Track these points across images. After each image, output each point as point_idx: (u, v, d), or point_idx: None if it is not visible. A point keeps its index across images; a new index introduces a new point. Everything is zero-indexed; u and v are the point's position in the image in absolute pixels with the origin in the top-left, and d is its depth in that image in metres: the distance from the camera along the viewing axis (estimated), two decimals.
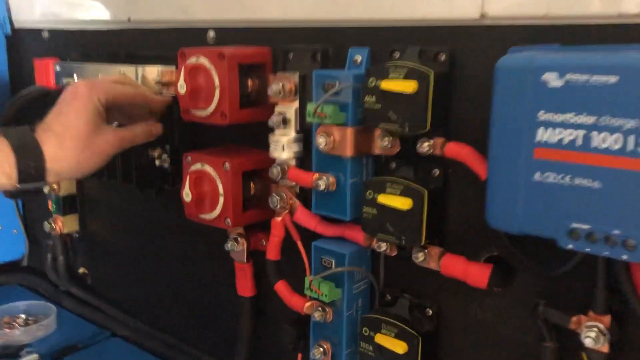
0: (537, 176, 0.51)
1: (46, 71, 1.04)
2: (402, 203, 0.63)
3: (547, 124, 0.50)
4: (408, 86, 0.60)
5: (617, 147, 0.47)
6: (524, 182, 0.52)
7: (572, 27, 0.56)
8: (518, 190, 0.52)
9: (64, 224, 1.13)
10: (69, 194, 1.13)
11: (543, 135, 0.50)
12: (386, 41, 0.69)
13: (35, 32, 1.15)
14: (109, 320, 1.12)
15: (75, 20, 1.07)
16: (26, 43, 1.20)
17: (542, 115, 0.50)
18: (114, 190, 1.08)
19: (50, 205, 1.14)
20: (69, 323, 1.13)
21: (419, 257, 0.67)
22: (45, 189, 1.11)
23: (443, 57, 0.64)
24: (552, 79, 0.49)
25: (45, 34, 1.13)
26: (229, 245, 0.84)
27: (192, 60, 0.76)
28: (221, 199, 0.78)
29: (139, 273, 1.09)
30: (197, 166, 0.80)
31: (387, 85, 0.62)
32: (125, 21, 0.98)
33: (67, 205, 1.13)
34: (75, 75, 0.99)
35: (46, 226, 1.12)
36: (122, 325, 1.10)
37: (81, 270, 1.20)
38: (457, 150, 0.62)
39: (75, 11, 1.08)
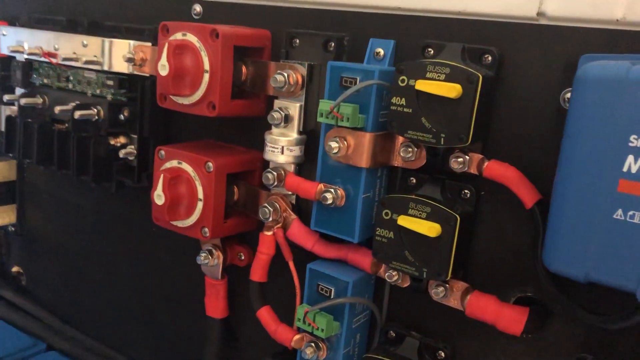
0: (618, 214, 0.42)
1: None
2: (428, 229, 0.53)
3: None
4: (451, 90, 0.50)
5: None
6: (601, 220, 0.42)
7: None
8: (591, 229, 0.43)
9: None
10: (7, 181, 0.98)
11: (633, 165, 0.41)
12: (417, 34, 0.58)
13: None
14: (45, 330, 0.96)
15: None
16: None
17: (635, 141, 0.41)
18: (64, 180, 0.93)
19: None
20: None
21: (439, 292, 0.57)
22: None
23: (489, 58, 0.54)
24: None
25: None
26: (201, 258, 0.71)
27: (178, 36, 0.63)
28: (199, 205, 0.65)
29: (85, 278, 0.94)
30: (172, 163, 0.67)
31: (424, 86, 0.51)
32: None
33: (3, 193, 0.98)
34: (25, 44, 0.84)
35: None
36: (61, 337, 0.95)
37: (15, 269, 1.05)
38: (500, 172, 0.52)
39: None
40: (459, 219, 0.53)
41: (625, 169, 0.41)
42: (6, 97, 0.86)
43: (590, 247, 0.43)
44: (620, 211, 0.42)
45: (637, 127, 0.40)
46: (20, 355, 0.92)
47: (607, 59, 0.44)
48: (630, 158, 0.41)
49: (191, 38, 0.62)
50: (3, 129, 0.90)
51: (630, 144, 0.41)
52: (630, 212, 0.41)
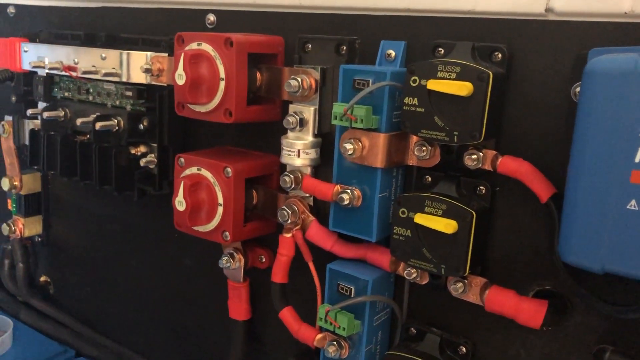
0: (632, 205, 0.42)
1: (12, 53, 0.90)
2: (445, 225, 0.54)
3: None
4: (462, 88, 0.51)
5: None
6: (615, 211, 0.43)
7: None
8: (606, 220, 0.43)
9: (25, 227, 1.00)
10: (32, 193, 1.00)
11: None
12: (426, 35, 0.59)
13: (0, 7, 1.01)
14: (74, 337, 0.99)
15: None
16: None
17: None
18: (87, 191, 0.95)
19: (10, 205, 1.00)
20: (27, 339, 0.99)
21: (458, 288, 0.58)
22: (5, 186, 0.97)
23: (499, 56, 0.55)
24: None
25: (11, 10, 0.99)
26: (223, 262, 0.73)
27: (193, 46, 0.65)
28: (220, 210, 0.67)
29: (111, 285, 0.96)
30: (192, 170, 0.69)
31: (436, 85, 0.52)
32: None
33: (29, 205, 1.00)
34: (46, 59, 0.86)
35: (4, 228, 1.00)
36: (89, 344, 0.97)
37: (43, 278, 1.07)
38: (514, 167, 0.53)
39: None
40: (474, 215, 0.54)
41: (637, 160, 0.42)
42: (29, 112, 0.88)
43: (605, 239, 0.44)
44: (633, 202, 0.42)
45: None
46: None
47: (616, 52, 0.45)
48: None
49: (206, 47, 0.64)
50: (27, 143, 0.92)
51: None
52: None
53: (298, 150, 0.63)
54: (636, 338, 0.53)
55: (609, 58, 0.43)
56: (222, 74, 0.63)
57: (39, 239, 1.03)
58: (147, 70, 0.74)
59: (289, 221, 0.64)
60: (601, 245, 0.44)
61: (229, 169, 0.66)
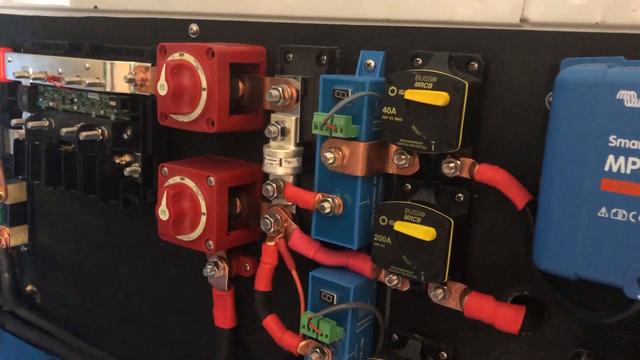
0: (602, 212, 0.43)
1: None
2: (424, 233, 0.55)
3: (620, 152, 0.42)
4: (439, 98, 0.52)
5: None
6: (586, 218, 0.44)
7: (633, 37, 0.49)
8: (578, 227, 0.44)
9: (10, 236, 1.00)
10: (18, 202, 1.00)
11: (613, 164, 0.42)
12: (405, 45, 0.60)
13: None
14: (61, 347, 0.99)
15: (31, 5, 0.94)
16: None
17: (614, 141, 0.42)
18: (72, 200, 0.95)
19: None
20: (13, 349, 0.99)
21: (438, 294, 0.58)
22: None
23: (475, 65, 0.56)
24: (630, 99, 0.41)
25: None
26: (207, 270, 0.73)
27: (175, 56, 0.66)
28: (203, 219, 0.67)
29: (97, 294, 0.96)
30: (175, 179, 0.69)
31: (413, 95, 0.53)
32: (91, 9, 0.86)
33: (15, 214, 1.00)
34: (30, 69, 0.86)
35: None
36: (76, 353, 0.97)
37: (29, 288, 1.07)
38: (490, 175, 0.54)
39: None
40: (453, 222, 0.54)
41: (606, 168, 0.43)
42: (14, 121, 0.88)
43: (578, 245, 0.44)
44: (604, 209, 0.43)
45: (615, 127, 0.42)
46: None
47: (586, 62, 0.46)
48: (611, 157, 0.42)
49: (188, 57, 0.65)
50: (12, 152, 0.92)
51: (610, 144, 0.42)
52: (614, 210, 0.43)
53: (280, 159, 0.64)
54: (611, 342, 0.54)
55: (579, 68, 0.44)
56: (204, 84, 0.64)
57: (25, 249, 1.03)
58: (130, 80, 0.74)
59: (272, 230, 0.65)
60: (574, 251, 0.45)
61: (211, 178, 0.66)
